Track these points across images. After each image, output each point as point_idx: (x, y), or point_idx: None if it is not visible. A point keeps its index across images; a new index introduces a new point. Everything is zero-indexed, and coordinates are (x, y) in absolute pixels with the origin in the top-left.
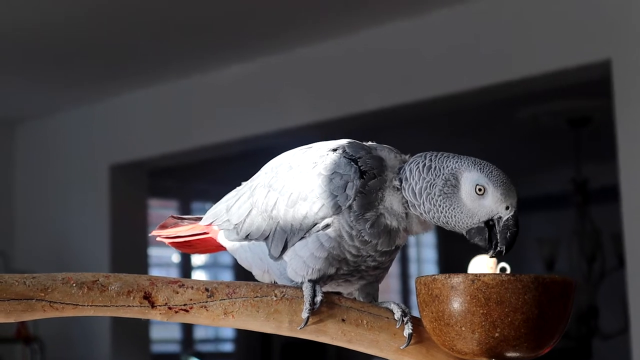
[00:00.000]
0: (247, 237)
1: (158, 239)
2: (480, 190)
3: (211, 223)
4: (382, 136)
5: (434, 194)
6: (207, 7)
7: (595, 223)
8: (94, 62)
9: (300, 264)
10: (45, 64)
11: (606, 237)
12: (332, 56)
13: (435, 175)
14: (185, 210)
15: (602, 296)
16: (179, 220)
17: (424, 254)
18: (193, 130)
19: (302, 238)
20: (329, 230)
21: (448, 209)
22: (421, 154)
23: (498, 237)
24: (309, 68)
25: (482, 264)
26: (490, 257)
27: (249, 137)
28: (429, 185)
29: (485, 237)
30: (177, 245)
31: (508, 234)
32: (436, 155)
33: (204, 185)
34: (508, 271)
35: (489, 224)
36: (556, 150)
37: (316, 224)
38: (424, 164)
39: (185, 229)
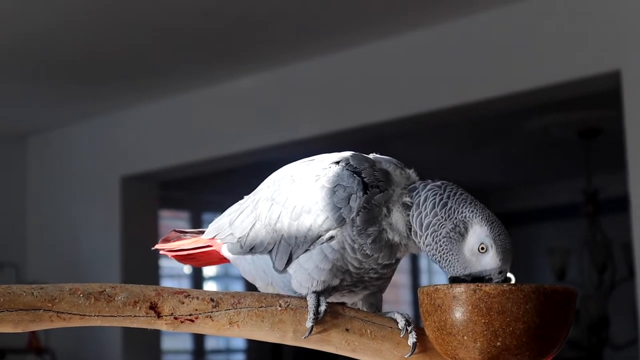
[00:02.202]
0: (251, 250)
1: (161, 252)
2: (482, 249)
3: (214, 237)
4: (392, 147)
5: (440, 234)
6: (215, 20)
7: (606, 233)
8: (105, 75)
9: (305, 276)
10: (57, 77)
11: (616, 247)
12: (341, 68)
13: (447, 216)
14: (196, 221)
15: (613, 306)
16: (182, 234)
17: (435, 265)
18: (203, 142)
19: (306, 250)
20: (333, 243)
21: (447, 253)
22: (440, 183)
23: None
24: (318, 80)
25: None
26: None
27: (259, 148)
28: (437, 223)
29: None
30: (180, 258)
31: None
32: (455, 193)
33: (214, 196)
34: (513, 281)
35: (477, 278)
36: (566, 161)
37: (320, 236)
38: (441, 199)
39: (188, 242)
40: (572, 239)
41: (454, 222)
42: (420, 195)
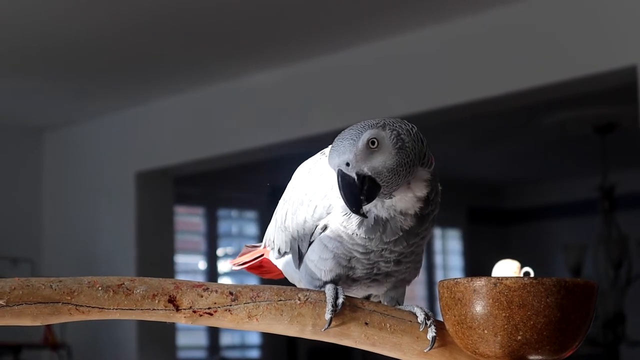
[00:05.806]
0: (279, 252)
1: (234, 267)
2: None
3: (266, 246)
4: None
5: None
6: (231, 16)
7: (622, 229)
8: (120, 70)
9: (312, 268)
10: (72, 74)
11: (632, 243)
12: (357, 64)
13: None
14: (211, 217)
15: (629, 302)
16: (252, 248)
17: (450, 261)
18: (218, 137)
19: (310, 243)
20: (328, 231)
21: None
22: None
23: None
24: (333, 76)
25: (506, 268)
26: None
27: (274, 144)
28: None
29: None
30: (249, 270)
31: (349, 194)
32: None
33: (230, 192)
34: (532, 275)
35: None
36: (582, 157)
37: (316, 226)
38: None
39: (252, 254)
40: (587, 235)
41: None
42: None
